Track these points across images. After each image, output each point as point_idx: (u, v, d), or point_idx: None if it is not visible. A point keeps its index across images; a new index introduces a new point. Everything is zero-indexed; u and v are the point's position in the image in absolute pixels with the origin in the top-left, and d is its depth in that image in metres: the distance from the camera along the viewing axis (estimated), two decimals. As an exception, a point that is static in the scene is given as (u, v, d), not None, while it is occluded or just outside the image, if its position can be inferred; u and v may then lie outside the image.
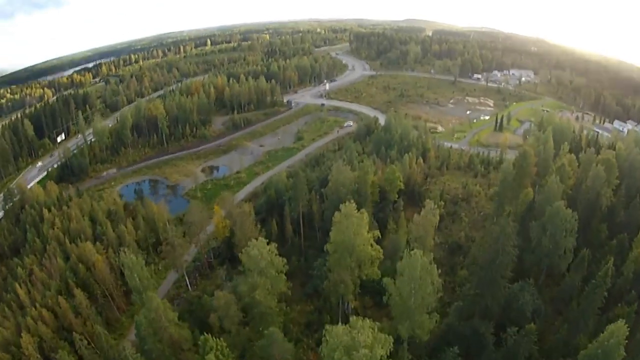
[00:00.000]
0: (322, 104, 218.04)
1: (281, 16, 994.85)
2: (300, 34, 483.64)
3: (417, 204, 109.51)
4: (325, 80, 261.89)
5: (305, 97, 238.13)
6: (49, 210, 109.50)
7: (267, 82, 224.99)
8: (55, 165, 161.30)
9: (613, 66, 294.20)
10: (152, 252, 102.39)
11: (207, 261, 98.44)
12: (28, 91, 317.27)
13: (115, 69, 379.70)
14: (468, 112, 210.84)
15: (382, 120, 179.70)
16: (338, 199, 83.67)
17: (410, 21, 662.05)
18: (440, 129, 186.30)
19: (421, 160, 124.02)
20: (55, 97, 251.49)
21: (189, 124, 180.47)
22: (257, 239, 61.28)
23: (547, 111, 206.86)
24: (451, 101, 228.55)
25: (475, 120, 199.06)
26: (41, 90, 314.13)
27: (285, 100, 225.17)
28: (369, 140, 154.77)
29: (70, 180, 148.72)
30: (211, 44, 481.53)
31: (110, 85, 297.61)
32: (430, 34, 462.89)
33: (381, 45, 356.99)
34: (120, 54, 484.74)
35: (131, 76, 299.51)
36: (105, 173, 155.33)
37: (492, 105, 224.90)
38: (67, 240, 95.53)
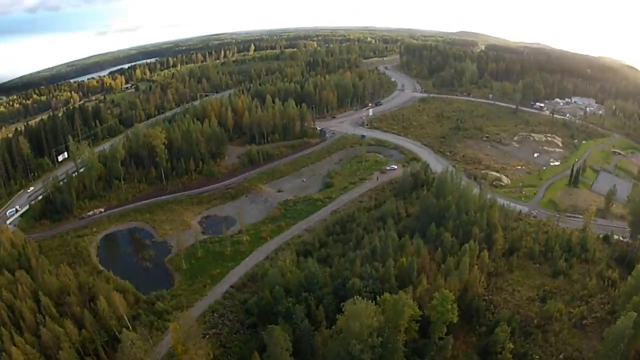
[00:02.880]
0: (362, 136, 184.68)
1: (334, 22, 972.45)
2: (349, 43, 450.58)
3: (473, 326, 77.16)
4: (370, 104, 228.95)
5: (344, 124, 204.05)
6: (2, 273, 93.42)
7: (297, 105, 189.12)
8: (40, 197, 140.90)
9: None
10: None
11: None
12: (56, 93, 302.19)
13: (150, 73, 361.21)
14: (535, 155, 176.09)
15: (433, 165, 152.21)
16: (348, 354, 52.42)
17: (462, 34, 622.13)
18: (504, 180, 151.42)
19: (485, 253, 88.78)
20: (64, 109, 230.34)
21: (194, 158, 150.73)
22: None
23: (619, 154, 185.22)
24: (515, 139, 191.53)
25: (544, 168, 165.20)
26: (68, 94, 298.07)
27: (318, 129, 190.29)
28: (415, 196, 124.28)
29: (53, 218, 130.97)
30: (255, 50, 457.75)
31: (139, 92, 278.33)
32: (483, 47, 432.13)
33: (434, 61, 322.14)
34: (165, 54, 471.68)
35: (157, 86, 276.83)
36: (91, 212, 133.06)
37: (560, 144, 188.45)
38: (5, 326, 77.71)
